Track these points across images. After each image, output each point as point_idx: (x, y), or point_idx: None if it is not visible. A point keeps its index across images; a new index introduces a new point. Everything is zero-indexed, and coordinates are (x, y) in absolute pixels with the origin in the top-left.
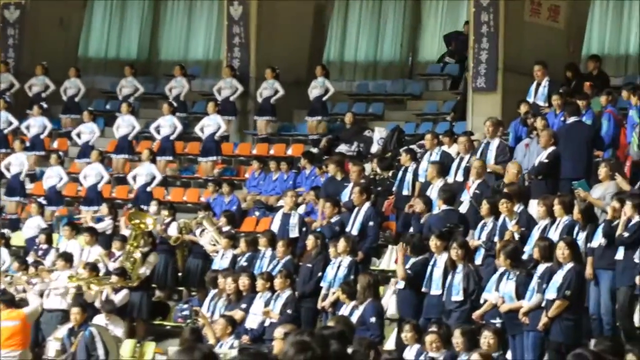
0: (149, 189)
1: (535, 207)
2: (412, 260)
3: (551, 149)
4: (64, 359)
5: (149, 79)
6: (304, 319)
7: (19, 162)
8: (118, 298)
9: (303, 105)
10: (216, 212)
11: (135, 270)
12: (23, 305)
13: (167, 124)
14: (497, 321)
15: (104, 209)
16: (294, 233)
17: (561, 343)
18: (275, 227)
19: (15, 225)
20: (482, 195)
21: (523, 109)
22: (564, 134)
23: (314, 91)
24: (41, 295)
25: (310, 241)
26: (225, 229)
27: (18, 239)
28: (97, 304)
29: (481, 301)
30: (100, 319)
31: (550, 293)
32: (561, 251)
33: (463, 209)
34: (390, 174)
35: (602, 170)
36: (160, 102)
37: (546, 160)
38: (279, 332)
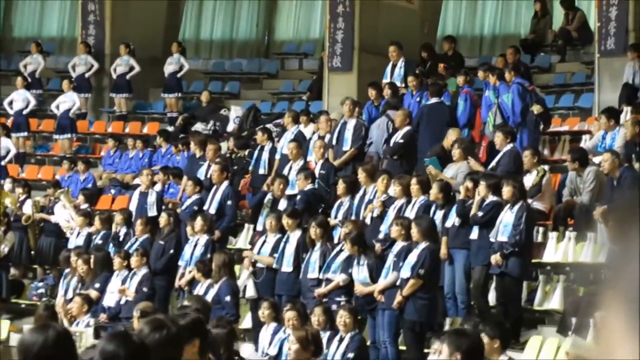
0: (2, 162)
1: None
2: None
3: (406, 128)
4: None
5: (2, 56)
6: (157, 297)
7: None
8: None
9: (159, 84)
10: (72, 190)
11: None
12: None
13: (20, 99)
14: (342, 299)
15: None
16: (152, 212)
17: (416, 322)
18: (133, 206)
19: None
20: (327, 175)
21: (372, 91)
22: (426, 114)
23: (169, 67)
24: None
25: (163, 219)
26: (83, 206)
27: None
28: None
29: (321, 276)
30: None
31: (405, 272)
32: (415, 230)
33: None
34: (246, 152)
35: (456, 151)
36: (13, 78)
37: (401, 140)
38: (136, 310)
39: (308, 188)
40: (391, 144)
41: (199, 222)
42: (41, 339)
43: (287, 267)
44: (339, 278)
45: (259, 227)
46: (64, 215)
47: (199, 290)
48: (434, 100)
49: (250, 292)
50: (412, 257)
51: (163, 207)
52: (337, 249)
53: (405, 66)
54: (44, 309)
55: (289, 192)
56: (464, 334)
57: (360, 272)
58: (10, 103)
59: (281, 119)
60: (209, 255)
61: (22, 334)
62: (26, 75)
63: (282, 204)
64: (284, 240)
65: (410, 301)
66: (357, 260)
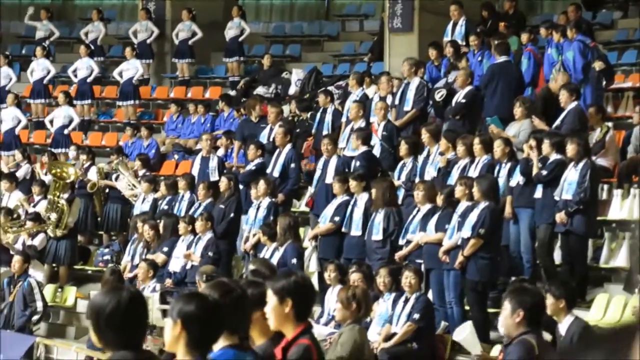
0: (66, 131)
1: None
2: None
3: (468, 88)
4: (1, 307)
5: (64, 23)
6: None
7: None
8: (35, 243)
9: (220, 48)
10: (134, 156)
11: (64, 219)
12: None
13: (84, 67)
14: (421, 261)
15: (17, 155)
16: (214, 176)
17: (477, 281)
18: (195, 171)
19: None
20: (390, 136)
21: (432, 51)
22: (497, 73)
23: (230, 32)
24: None
25: (223, 183)
26: (141, 172)
27: None
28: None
29: (402, 242)
30: None
31: (465, 231)
32: (475, 189)
33: (375, 151)
34: (308, 115)
35: (518, 110)
36: (76, 46)
37: (464, 100)
38: (200, 274)
39: (364, 150)
40: (453, 104)
41: (261, 185)
42: (114, 300)
43: (355, 230)
44: (417, 237)
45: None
46: (124, 183)
47: (265, 253)
48: (502, 58)
49: (314, 266)
50: (473, 217)
51: (225, 172)
52: (415, 211)
53: (466, 25)
54: (110, 273)
55: (348, 153)
56: (526, 291)
57: (428, 227)
58: (74, 71)
59: (343, 81)
60: (271, 218)
61: (94, 296)
62: (88, 42)
63: (332, 165)
64: (351, 203)
65: (471, 261)
66: (428, 213)
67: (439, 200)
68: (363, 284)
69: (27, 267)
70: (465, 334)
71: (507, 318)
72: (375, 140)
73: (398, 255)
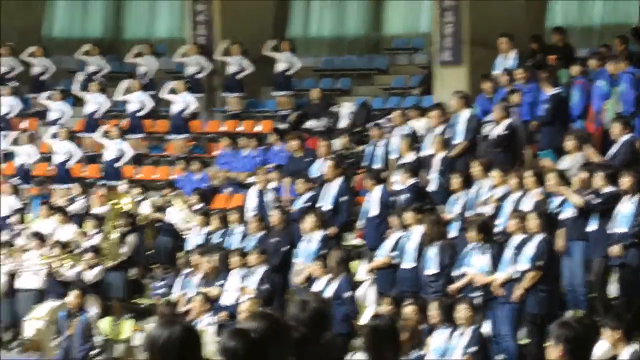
0: (117, 165)
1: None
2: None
3: (507, 121)
4: (59, 341)
5: (114, 57)
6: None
7: None
8: (92, 274)
9: (269, 82)
10: (187, 189)
11: (112, 251)
12: None
13: (135, 100)
14: (476, 294)
15: (75, 189)
16: (268, 210)
17: (537, 314)
18: (251, 205)
19: None
20: (445, 169)
21: (486, 84)
22: (550, 106)
23: (279, 66)
24: (12, 275)
25: (275, 216)
26: (197, 206)
27: None
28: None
29: (456, 274)
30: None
31: (523, 264)
32: (532, 222)
33: (433, 185)
34: (360, 148)
35: (569, 143)
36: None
37: (505, 132)
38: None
39: (413, 182)
40: (495, 136)
41: (311, 218)
42: (166, 333)
43: (409, 262)
44: (470, 271)
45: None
46: (179, 216)
47: (318, 286)
48: (553, 91)
49: (370, 300)
50: (530, 249)
51: (276, 205)
52: (471, 245)
53: (518, 58)
54: (165, 306)
55: (396, 187)
56: (566, 325)
57: (479, 260)
58: (124, 104)
59: (392, 115)
60: (324, 252)
61: (150, 329)
62: (139, 76)
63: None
64: (405, 236)
65: (530, 294)
66: (479, 248)
67: (475, 235)
68: (417, 316)
69: (83, 301)
70: None
71: (551, 353)
72: (432, 174)
73: (451, 288)
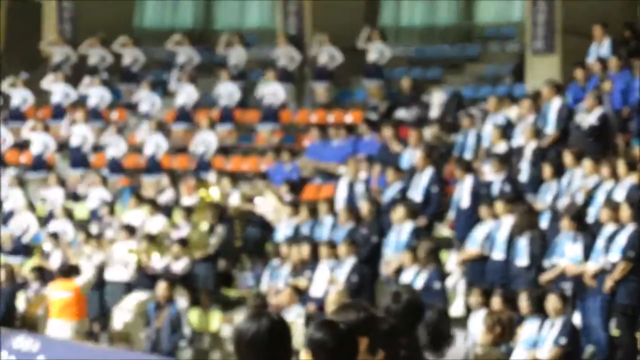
0: (207, 157)
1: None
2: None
3: (599, 111)
4: (148, 332)
5: (205, 48)
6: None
7: (81, 134)
8: (181, 266)
9: (359, 71)
10: (276, 180)
11: (202, 242)
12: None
13: (226, 92)
14: (567, 285)
15: (164, 181)
16: (359, 200)
17: (628, 305)
18: (340, 195)
19: (79, 197)
20: (537, 159)
21: (579, 72)
22: None
23: (370, 55)
24: (101, 267)
25: (364, 207)
26: (287, 197)
27: (82, 210)
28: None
29: (547, 264)
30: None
31: (614, 255)
32: (624, 212)
33: (524, 174)
34: (451, 138)
35: None
36: (216, 70)
37: (597, 123)
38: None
39: (505, 172)
40: (586, 126)
41: (402, 209)
42: (254, 326)
43: (499, 253)
44: (562, 262)
45: None
46: (269, 207)
47: (407, 277)
48: None
49: (460, 290)
50: (621, 240)
51: (366, 196)
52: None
53: (613, 46)
54: (254, 298)
55: (488, 176)
56: None
57: (572, 249)
58: (217, 96)
59: (485, 104)
60: (414, 242)
61: (238, 322)
62: (229, 67)
63: (466, 189)
64: (495, 226)
65: (621, 285)
66: (573, 237)
67: (568, 224)
68: (505, 308)
69: (172, 293)
70: None
71: None
72: (524, 165)
73: (543, 278)
